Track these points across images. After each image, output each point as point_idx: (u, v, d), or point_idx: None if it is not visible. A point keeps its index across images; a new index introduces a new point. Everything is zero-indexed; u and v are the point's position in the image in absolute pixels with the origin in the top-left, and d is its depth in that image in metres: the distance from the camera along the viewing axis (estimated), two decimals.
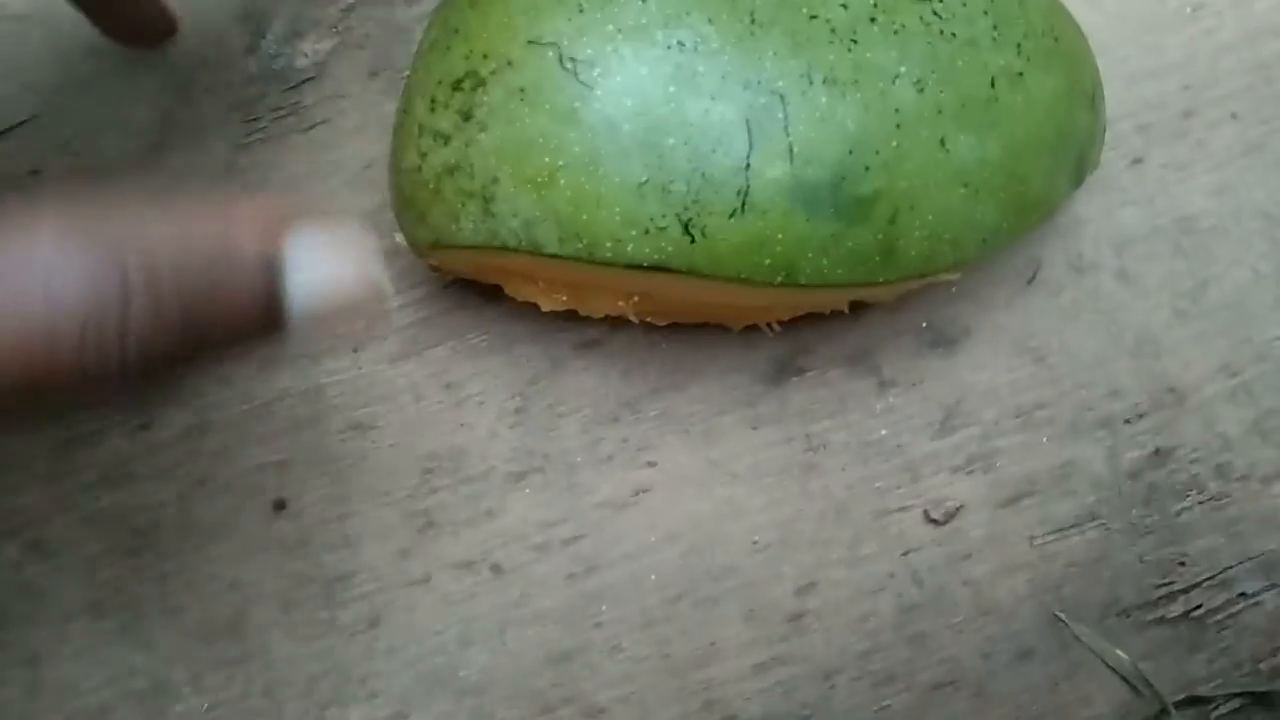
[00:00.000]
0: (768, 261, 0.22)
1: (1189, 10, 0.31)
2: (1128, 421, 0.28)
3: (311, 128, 0.30)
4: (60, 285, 0.13)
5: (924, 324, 0.29)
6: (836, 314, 0.28)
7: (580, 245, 0.22)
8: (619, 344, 0.29)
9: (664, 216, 0.22)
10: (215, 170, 0.30)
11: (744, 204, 0.22)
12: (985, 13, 0.24)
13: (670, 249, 0.22)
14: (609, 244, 0.22)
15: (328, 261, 0.15)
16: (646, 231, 0.22)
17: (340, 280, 0.15)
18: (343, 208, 0.29)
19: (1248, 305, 0.29)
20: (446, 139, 0.23)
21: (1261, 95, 0.31)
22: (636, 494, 0.28)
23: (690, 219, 0.22)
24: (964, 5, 0.24)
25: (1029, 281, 0.29)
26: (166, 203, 0.15)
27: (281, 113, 0.30)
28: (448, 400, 0.28)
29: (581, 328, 0.29)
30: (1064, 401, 0.29)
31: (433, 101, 0.23)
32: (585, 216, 0.22)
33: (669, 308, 0.26)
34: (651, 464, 0.28)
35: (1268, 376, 0.29)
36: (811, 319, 0.28)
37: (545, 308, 0.26)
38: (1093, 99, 0.26)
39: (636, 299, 0.26)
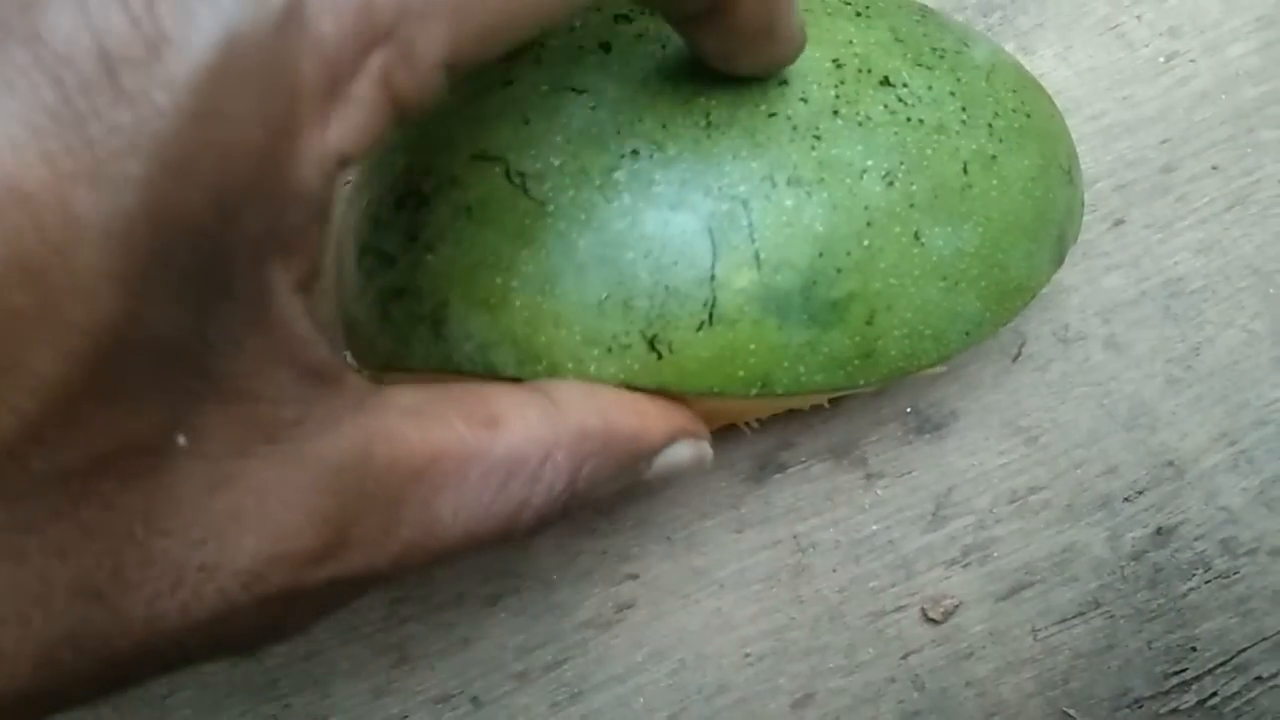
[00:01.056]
0: (741, 373, 0.21)
1: (1162, 59, 0.30)
2: (1127, 500, 0.27)
3: None
4: (527, 485, 0.17)
5: (908, 409, 0.28)
6: (817, 407, 0.27)
7: (540, 368, 0.21)
8: None
9: (627, 334, 0.20)
10: None
11: (711, 316, 0.20)
12: (952, 94, 0.23)
13: (636, 367, 0.21)
14: (570, 365, 0.21)
15: (691, 459, 0.21)
16: (609, 350, 0.20)
17: (693, 467, 0.21)
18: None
19: (1243, 368, 0.28)
20: (392, 260, 0.21)
21: (1242, 145, 0.29)
22: (619, 610, 0.26)
23: (655, 335, 0.20)
24: (929, 89, 0.22)
25: (1015, 358, 0.28)
26: (598, 396, 0.19)
27: None
28: None
29: None
30: (1059, 483, 0.27)
31: (375, 221, 0.22)
32: (543, 338, 0.20)
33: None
34: (633, 576, 0.27)
35: (1268, 442, 0.28)
36: (792, 412, 0.27)
37: None
38: (1069, 172, 0.25)
39: None
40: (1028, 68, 0.29)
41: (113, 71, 0.10)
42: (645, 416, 0.19)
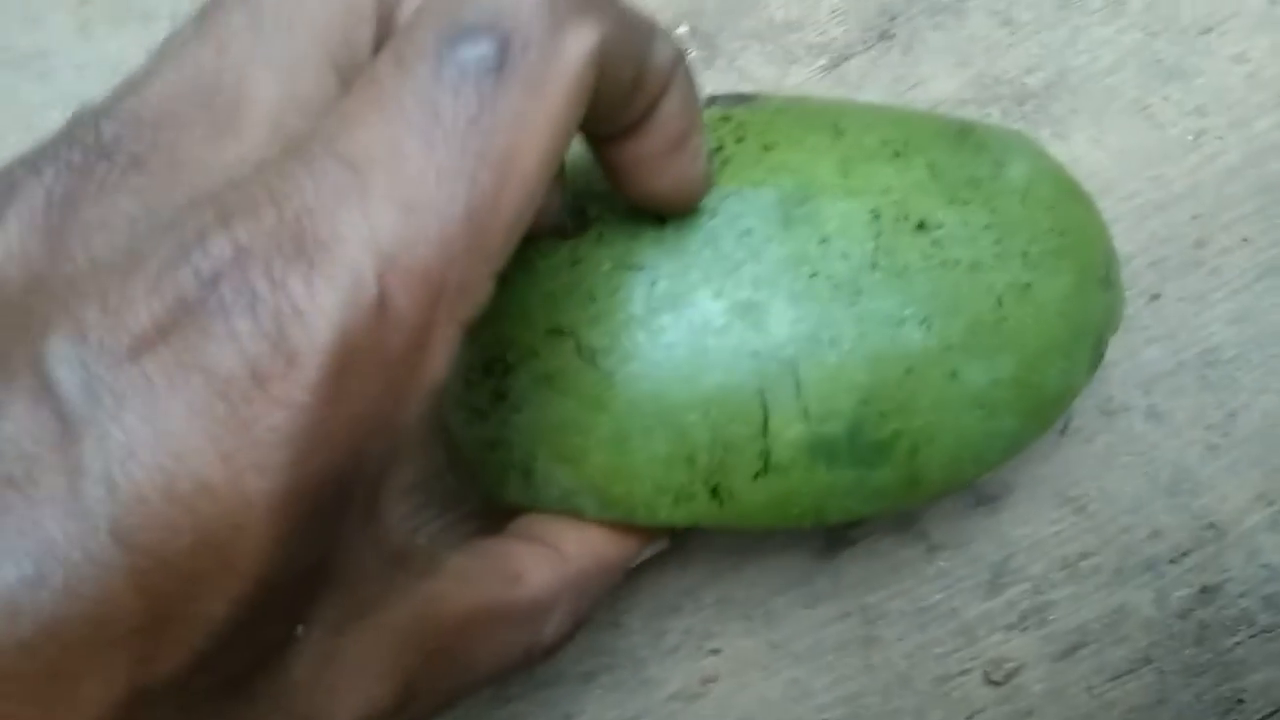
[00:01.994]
0: (795, 511, 0.23)
1: (1190, 138, 0.32)
2: (1172, 561, 0.29)
3: None
4: (542, 624, 0.21)
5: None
6: None
7: (618, 511, 0.23)
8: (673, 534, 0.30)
9: (691, 484, 0.23)
10: None
11: (766, 465, 0.23)
12: (987, 227, 0.24)
13: (701, 511, 0.23)
14: (643, 510, 0.23)
15: (651, 553, 0.25)
16: (677, 499, 0.23)
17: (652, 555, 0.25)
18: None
19: (1278, 432, 0.30)
20: (484, 415, 0.24)
21: (1271, 216, 0.31)
22: (704, 683, 0.29)
23: (717, 484, 0.23)
24: (964, 225, 0.24)
25: (1062, 432, 0.30)
26: (592, 540, 0.23)
27: None
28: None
29: None
30: (1108, 548, 0.29)
31: (467, 381, 0.24)
32: (619, 489, 0.23)
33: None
34: (715, 651, 0.29)
35: None
36: None
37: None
38: (1107, 277, 0.26)
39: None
40: (1062, 153, 0.31)
41: (263, 384, 0.13)
42: (625, 543, 0.23)
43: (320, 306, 0.13)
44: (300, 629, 0.15)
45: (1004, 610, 0.29)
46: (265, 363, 0.13)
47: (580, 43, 0.15)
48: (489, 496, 0.25)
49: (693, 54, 0.32)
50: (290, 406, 0.13)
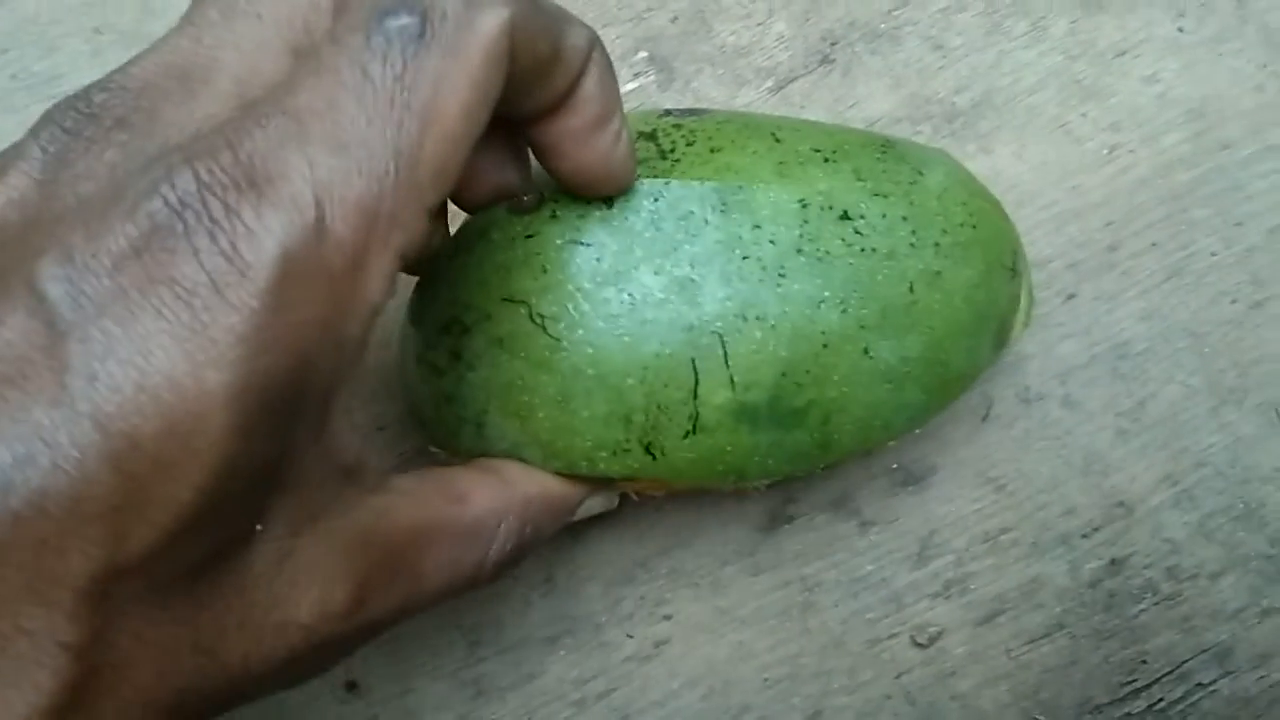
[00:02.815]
0: (720, 469, 0.26)
1: (1105, 152, 0.35)
2: (1084, 536, 0.32)
3: None
4: (487, 543, 0.23)
5: (894, 466, 0.33)
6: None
7: (560, 463, 0.26)
8: (629, 512, 0.33)
9: (628, 440, 0.25)
10: None
11: (695, 426, 0.25)
12: (904, 218, 0.27)
13: (635, 465, 0.26)
14: (584, 463, 0.26)
15: (602, 505, 0.27)
16: (614, 453, 0.26)
17: (603, 509, 0.28)
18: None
19: (1183, 418, 0.33)
20: (442, 372, 0.26)
21: (1178, 223, 0.34)
22: (657, 646, 0.32)
23: (650, 441, 0.26)
24: (884, 217, 0.27)
25: (984, 418, 0.33)
26: (536, 472, 0.25)
27: None
28: None
29: None
30: (1026, 524, 0.32)
31: (427, 340, 0.27)
32: (562, 443, 0.26)
33: (664, 489, 0.30)
34: (668, 617, 0.32)
35: (1207, 481, 0.32)
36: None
37: None
38: (1013, 267, 0.29)
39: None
40: (986, 166, 0.34)
41: (220, 292, 0.15)
42: (568, 485, 0.26)
43: (267, 227, 0.15)
44: (259, 527, 0.18)
45: (930, 580, 0.32)
46: (221, 274, 0.15)
47: (493, 16, 0.17)
48: (443, 447, 0.27)
49: (650, 77, 0.36)
50: (243, 310, 0.15)
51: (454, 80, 0.17)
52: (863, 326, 0.26)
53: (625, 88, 0.36)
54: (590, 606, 0.32)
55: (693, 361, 0.25)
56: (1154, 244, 0.34)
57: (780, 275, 0.26)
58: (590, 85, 0.21)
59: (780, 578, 0.32)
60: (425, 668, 0.32)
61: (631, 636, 0.32)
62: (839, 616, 0.32)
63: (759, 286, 0.25)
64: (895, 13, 0.36)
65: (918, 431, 0.33)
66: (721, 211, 0.26)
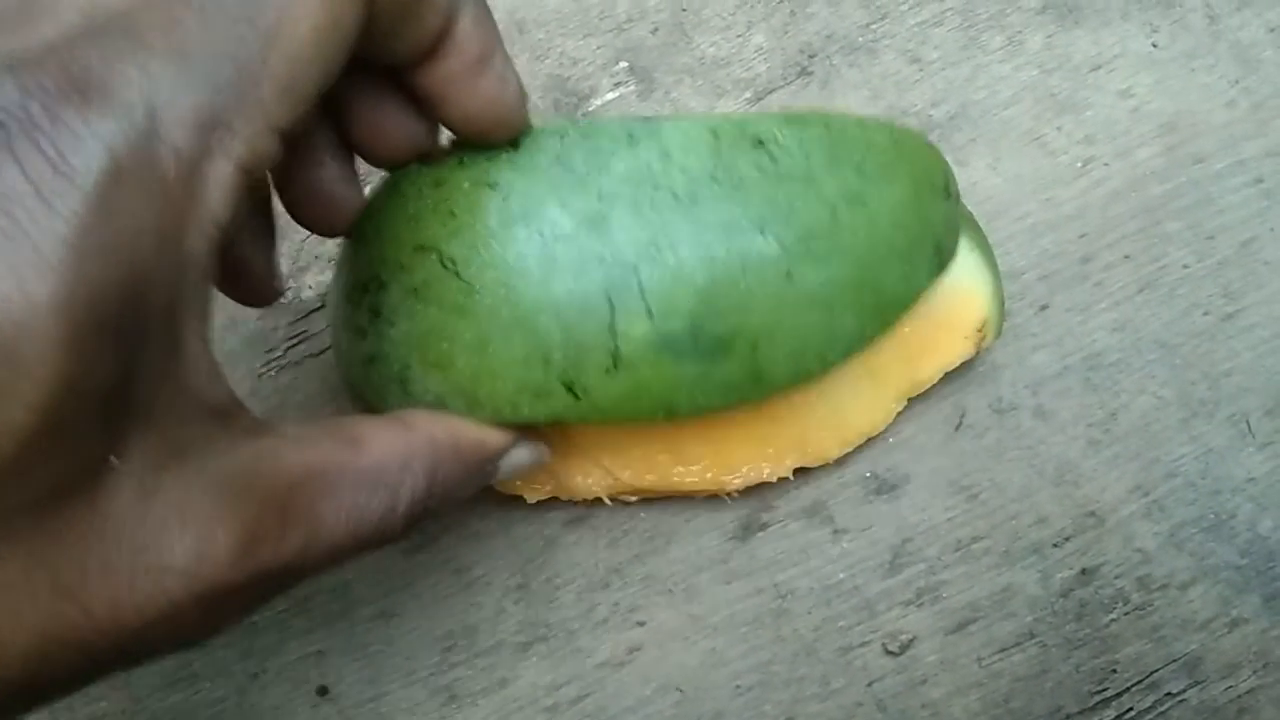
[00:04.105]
0: (647, 404, 0.25)
1: (1079, 165, 0.35)
2: (1055, 545, 0.32)
3: (323, 351, 0.34)
4: (392, 490, 0.21)
5: (868, 474, 0.33)
6: (785, 478, 0.32)
7: (484, 412, 0.25)
8: (603, 518, 0.33)
9: (548, 381, 0.25)
10: (241, 397, 0.34)
11: (615, 362, 0.25)
12: (820, 141, 0.26)
13: (559, 407, 0.25)
14: (507, 408, 0.25)
15: (531, 459, 0.26)
16: (537, 395, 0.25)
17: (534, 463, 0.26)
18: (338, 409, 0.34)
19: (1154, 429, 0.33)
20: (364, 333, 0.26)
21: (1151, 236, 0.35)
22: (630, 652, 0.32)
23: (571, 380, 0.25)
24: (800, 143, 0.26)
25: (957, 427, 0.33)
26: (445, 418, 0.24)
27: (295, 340, 0.35)
28: (457, 583, 0.33)
29: (568, 506, 0.33)
30: (997, 533, 0.32)
31: (348, 301, 0.26)
32: (483, 389, 0.25)
33: (638, 490, 0.30)
34: (641, 623, 0.32)
35: (1177, 492, 0.33)
36: (766, 481, 0.32)
37: (530, 499, 0.30)
38: (946, 188, 0.28)
39: (611, 481, 0.30)
40: (962, 178, 0.35)
41: (45, 200, 0.15)
42: (485, 429, 0.24)
43: (95, 133, 0.15)
44: (115, 460, 0.16)
45: (902, 588, 0.32)
46: (47, 182, 0.15)
47: None
48: (373, 412, 0.27)
49: (630, 87, 0.36)
50: (69, 217, 0.15)
51: (303, 1, 0.17)
52: (784, 251, 0.25)
53: (605, 97, 0.36)
54: (563, 613, 0.32)
55: (608, 295, 0.24)
56: (1127, 256, 0.35)
57: (693, 203, 0.25)
58: (466, 25, 0.21)
59: (753, 585, 0.32)
60: (398, 673, 0.32)
61: (604, 643, 0.32)
62: (811, 624, 0.32)
63: (671, 215, 0.25)
64: (873, 26, 0.37)
65: (890, 440, 0.33)
66: (629, 144, 0.25)
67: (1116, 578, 0.32)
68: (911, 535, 0.32)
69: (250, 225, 0.25)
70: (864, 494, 0.33)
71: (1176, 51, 0.36)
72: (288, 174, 0.24)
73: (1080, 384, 0.34)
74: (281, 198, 0.25)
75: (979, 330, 0.31)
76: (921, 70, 0.36)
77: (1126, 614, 0.32)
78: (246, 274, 0.26)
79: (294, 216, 0.25)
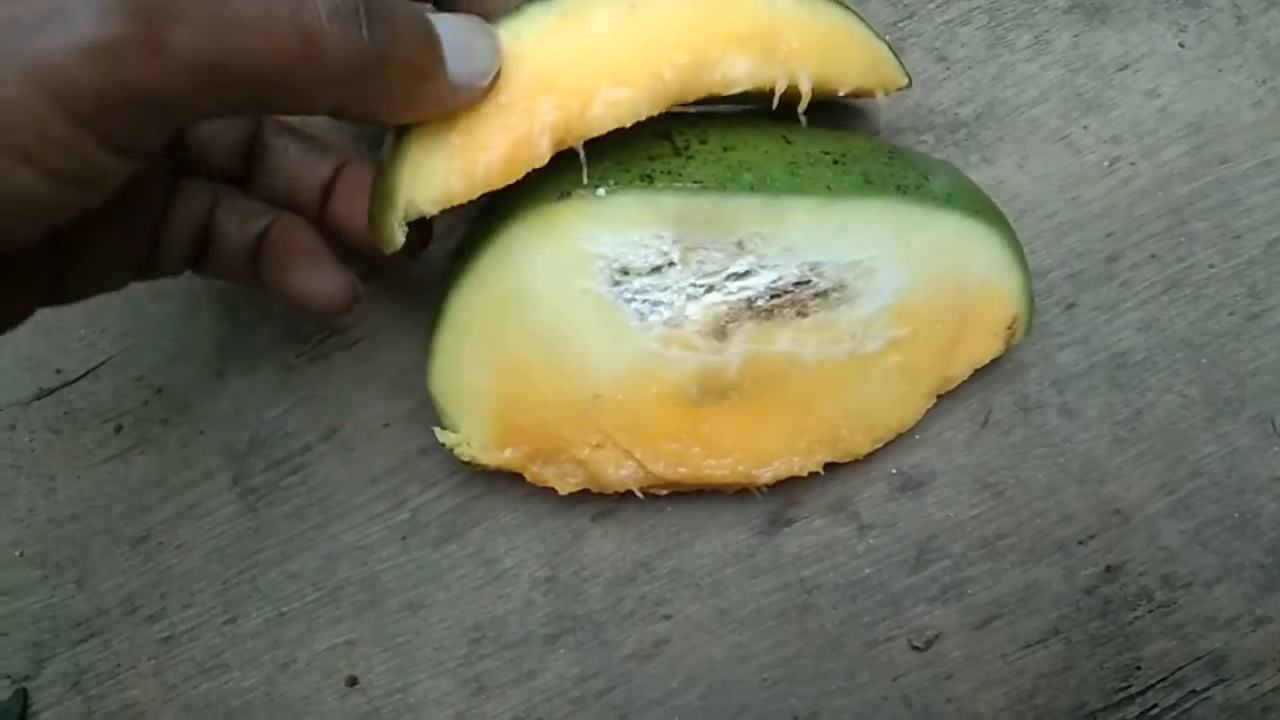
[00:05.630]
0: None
1: (1106, 163, 0.35)
2: (1080, 543, 0.32)
3: (353, 344, 0.35)
4: None
5: (894, 471, 0.33)
6: (813, 474, 0.32)
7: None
8: (630, 512, 0.33)
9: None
10: (271, 389, 0.34)
11: None
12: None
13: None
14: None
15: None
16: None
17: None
18: (384, 411, 0.34)
19: (1179, 428, 0.33)
20: None
21: (1177, 235, 0.35)
22: (657, 645, 0.32)
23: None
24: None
25: (983, 425, 0.33)
26: None
27: (324, 334, 0.35)
28: (486, 575, 0.33)
29: (596, 500, 0.33)
30: (1023, 530, 0.33)
31: None
32: None
33: (670, 483, 0.31)
34: (667, 617, 0.32)
35: (1203, 490, 0.33)
36: (796, 477, 0.32)
37: (562, 490, 0.31)
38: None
39: (644, 473, 0.30)
40: (989, 176, 0.35)
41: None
42: None
43: None
44: None
45: (927, 584, 0.32)
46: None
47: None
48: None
49: None
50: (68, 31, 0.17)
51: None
52: None
53: None
54: (590, 606, 0.32)
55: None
56: (1153, 255, 0.35)
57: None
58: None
59: (780, 580, 0.32)
60: (426, 664, 0.32)
61: (631, 636, 0.32)
62: (837, 619, 0.32)
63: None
64: (900, 24, 0.37)
65: (916, 437, 0.33)
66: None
67: (1141, 575, 0.32)
68: (937, 532, 0.33)
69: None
70: (890, 491, 0.33)
71: (1204, 51, 0.36)
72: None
73: (1106, 382, 0.34)
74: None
75: (1009, 327, 0.31)
76: (949, 69, 0.36)
77: (1151, 611, 0.32)
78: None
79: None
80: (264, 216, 0.29)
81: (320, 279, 0.28)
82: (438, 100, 0.23)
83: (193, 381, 0.35)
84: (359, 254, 0.29)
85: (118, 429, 0.35)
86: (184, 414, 0.35)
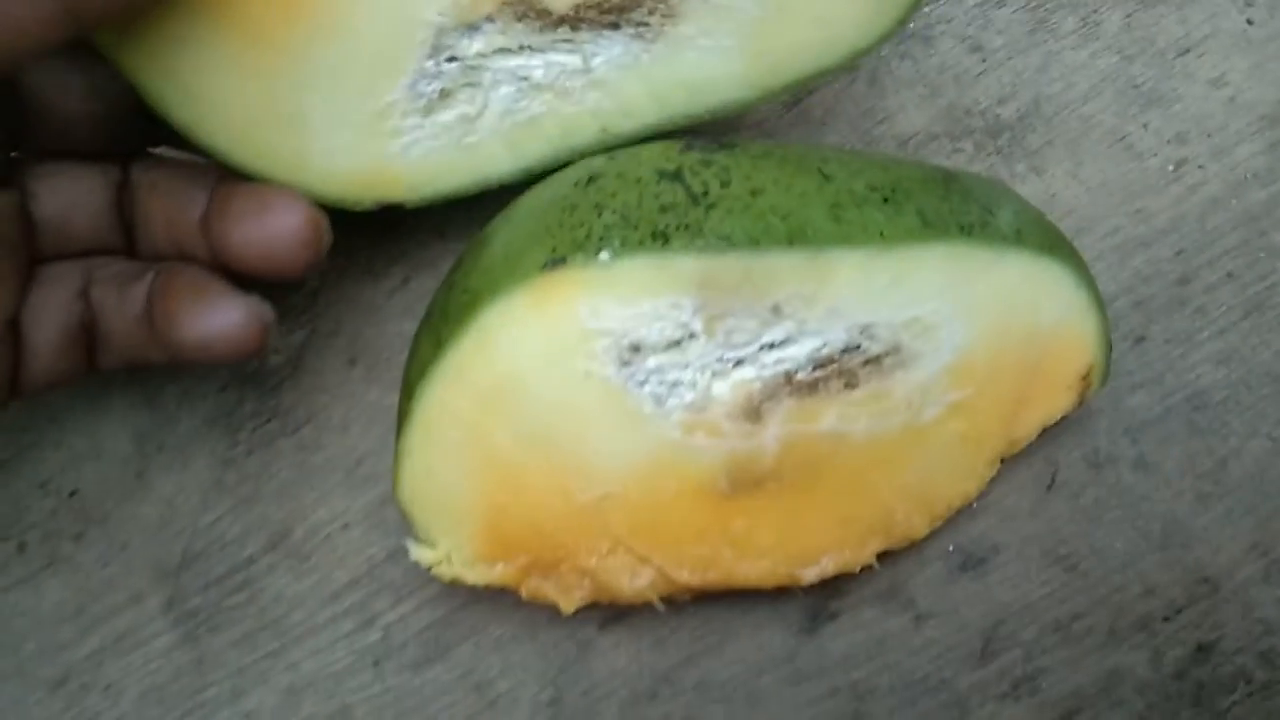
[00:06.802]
0: None
1: (1171, 168, 0.31)
2: (1166, 619, 0.28)
3: (296, 430, 0.29)
4: None
5: (950, 547, 0.28)
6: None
7: None
8: (644, 615, 0.28)
9: None
10: (204, 489, 0.28)
11: None
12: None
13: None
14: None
15: None
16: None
17: None
18: (341, 509, 0.28)
19: (1270, 476, 0.29)
20: None
21: (1255, 249, 0.30)
22: None
23: None
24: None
25: (1049, 487, 0.29)
26: None
27: (263, 419, 0.29)
28: (479, 701, 0.28)
29: (604, 604, 0.28)
30: (1100, 608, 0.28)
31: None
32: None
33: (696, 590, 0.26)
34: None
35: None
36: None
37: (566, 608, 0.25)
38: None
39: (665, 582, 0.25)
40: (1039, 189, 0.30)
41: None
42: None
43: None
44: None
45: (996, 679, 0.28)
46: None
47: None
48: None
49: None
50: None
51: None
52: None
53: None
54: None
55: None
56: (1230, 274, 0.30)
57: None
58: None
59: (826, 685, 0.28)
60: None
61: None
62: None
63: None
64: (927, 9, 0.31)
65: (975, 507, 0.28)
66: None
67: (1236, 653, 0.28)
68: (1004, 617, 0.28)
69: None
70: (947, 571, 0.28)
71: (1275, 29, 0.31)
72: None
73: (1184, 428, 0.29)
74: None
75: (1084, 378, 0.26)
76: (984, 61, 0.31)
77: (1250, 695, 0.28)
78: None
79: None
80: (145, 275, 0.24)
81: (214, 316, 0.23)
82: None
83: (109, 484, 0.29)
84: (256, 279, 0.24)
85: (21, 547, 0.29)
86: (101, 525, 0.29)
